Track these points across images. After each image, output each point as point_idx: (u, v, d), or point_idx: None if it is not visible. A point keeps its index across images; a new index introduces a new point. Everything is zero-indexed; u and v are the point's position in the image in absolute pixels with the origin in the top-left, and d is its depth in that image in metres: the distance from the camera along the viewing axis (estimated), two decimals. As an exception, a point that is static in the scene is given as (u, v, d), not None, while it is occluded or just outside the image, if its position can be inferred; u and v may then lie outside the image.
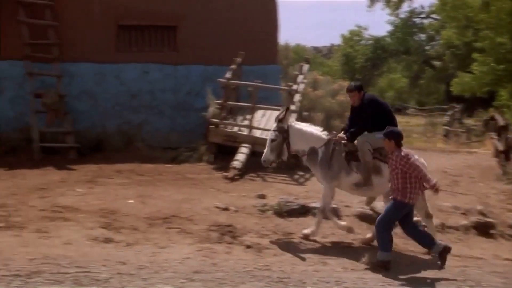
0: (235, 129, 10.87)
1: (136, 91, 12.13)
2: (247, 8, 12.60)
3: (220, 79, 10.43)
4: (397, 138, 6.65)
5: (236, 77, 11.16)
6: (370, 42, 40.62)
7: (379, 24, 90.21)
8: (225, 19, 12.38)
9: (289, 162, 8.57)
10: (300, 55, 30.69)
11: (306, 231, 7.27)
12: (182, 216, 7.24)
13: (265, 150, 7.51)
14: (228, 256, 6.11)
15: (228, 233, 6.79)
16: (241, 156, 9.97)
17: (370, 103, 7.43)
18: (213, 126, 10.63)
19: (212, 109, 10.92)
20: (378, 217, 6.62)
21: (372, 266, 6.31)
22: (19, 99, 11.36)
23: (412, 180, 6.51)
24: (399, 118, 9.24)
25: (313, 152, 7.48)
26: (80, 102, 11.75)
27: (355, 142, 7.28)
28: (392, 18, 37.97)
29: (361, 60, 39.50)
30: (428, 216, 7.20)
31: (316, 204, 7.62)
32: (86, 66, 11.56)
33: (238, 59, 11.42)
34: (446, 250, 6.50)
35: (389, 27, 39.08)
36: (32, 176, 9.40)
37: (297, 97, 11.04)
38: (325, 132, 7.59)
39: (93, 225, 6.78)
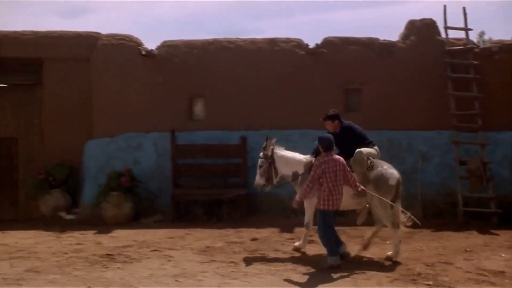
0: None
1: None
2: None
3: None
4: (321, 143, 7.78)
5: None
6: None
7: None
8: None
9: None
10: None
11: (296, 244, 8.88)
12: None
13: (256, 177, 8.95)
14: None
15: None
16: None
17: (345, 130, 8.66)
18: None
19: None
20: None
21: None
22: (444, 165, 12.16)
23: (324, 187, 7.58)
24: None
25: (295, 175, 8.59)
26: (504, 169, 12.05)
27: None
28: None
29: None
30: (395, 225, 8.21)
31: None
32: (509, 134, 11.81)
33: None
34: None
35: None
36: (456, 238, 9.99)
37: None
38: (307, 157, 8.66)
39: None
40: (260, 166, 8.98)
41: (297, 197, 8.13)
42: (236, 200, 11.79)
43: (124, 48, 12.79)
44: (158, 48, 12.83)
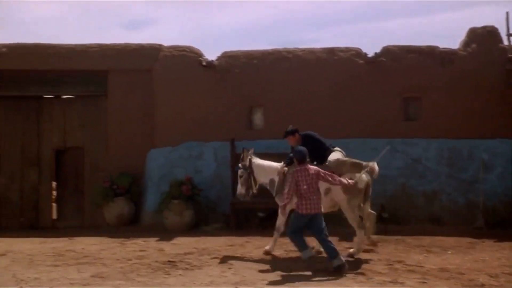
0: None
1: None
2: None
3: None
4: (295, 156, 8.24)
5: None
6: None
7: None
8: None
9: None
10: None
11: (267, 247, 9.21)
12: None
13: (238, 187, 9.42)
14: None
15: None
16: None
17: (306, 138, 9.27)
18: None
19: None
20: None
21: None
22: (507, 174, 11.92)
23: (301, 194, 8.00)
24: None
25: (272, 182, 9.19)
26: None
27: None
28: None
29: None
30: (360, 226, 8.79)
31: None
32: None
33: None
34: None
35: None
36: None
37: None
38: (281, 164, 9.16)
39: None
40: (240, 177, 9.43)
41: (281, 204, 8.55)
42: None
43: (185, 59, 13.10)
44: (218, 58, 13.09)
